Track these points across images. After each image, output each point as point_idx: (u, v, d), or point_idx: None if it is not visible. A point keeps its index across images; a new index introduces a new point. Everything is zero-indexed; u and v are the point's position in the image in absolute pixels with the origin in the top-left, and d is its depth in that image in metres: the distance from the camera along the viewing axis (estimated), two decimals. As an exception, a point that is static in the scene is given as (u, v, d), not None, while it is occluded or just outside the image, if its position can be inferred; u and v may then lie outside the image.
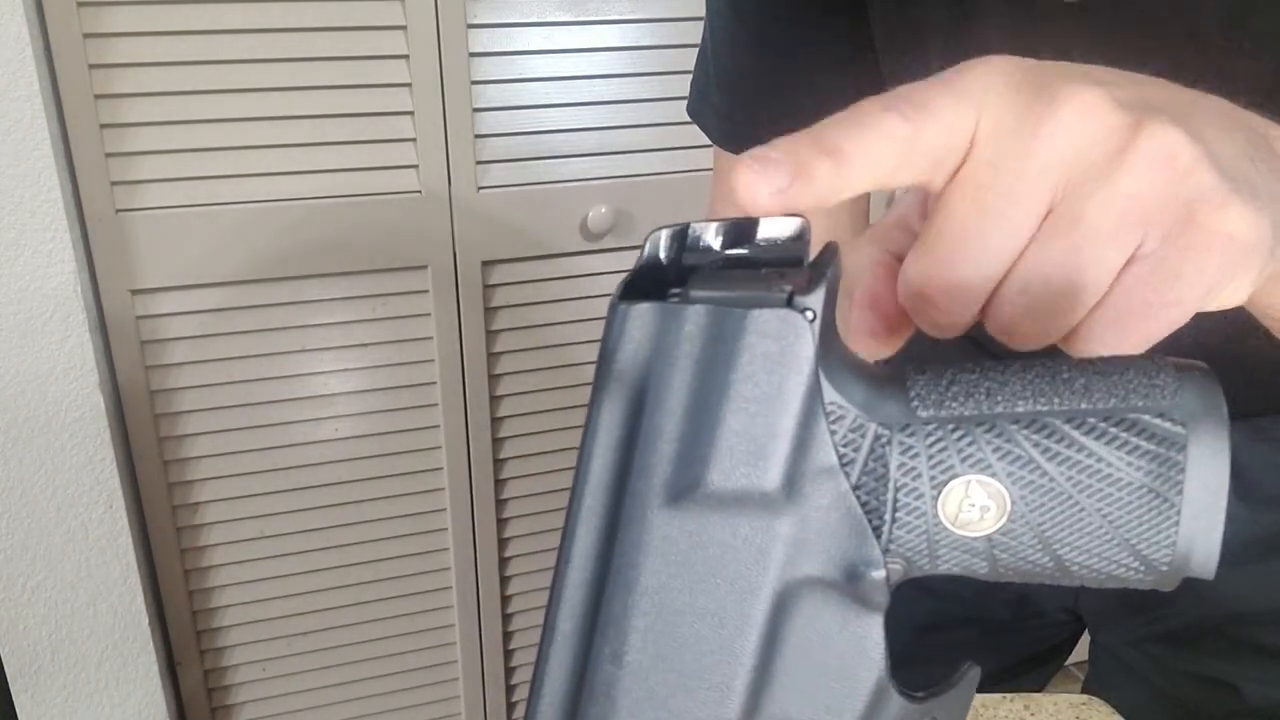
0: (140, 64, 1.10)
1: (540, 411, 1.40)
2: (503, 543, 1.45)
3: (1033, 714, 0.55)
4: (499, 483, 1.41)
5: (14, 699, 1.25)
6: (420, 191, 1.24)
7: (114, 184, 1.13)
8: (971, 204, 0.25)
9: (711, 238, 0.25)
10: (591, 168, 1.30)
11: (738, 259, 0.25)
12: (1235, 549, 0.56)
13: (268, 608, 1.36)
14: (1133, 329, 0.25)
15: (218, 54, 1.12)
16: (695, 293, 0.23)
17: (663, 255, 0.25)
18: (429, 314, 1.29)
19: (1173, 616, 0.61)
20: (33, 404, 1.13)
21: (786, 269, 0.24)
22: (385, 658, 1.44)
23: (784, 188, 0.25)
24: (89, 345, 1.13)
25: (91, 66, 1.08)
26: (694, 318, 0.23)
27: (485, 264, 1.29)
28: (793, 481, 0.23)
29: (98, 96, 1.09)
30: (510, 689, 1.53)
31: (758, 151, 0.25)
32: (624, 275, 0.25)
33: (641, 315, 0.23)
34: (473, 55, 1.21)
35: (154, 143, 1.13)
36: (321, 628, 1.39)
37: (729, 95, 0.63)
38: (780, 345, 0.23)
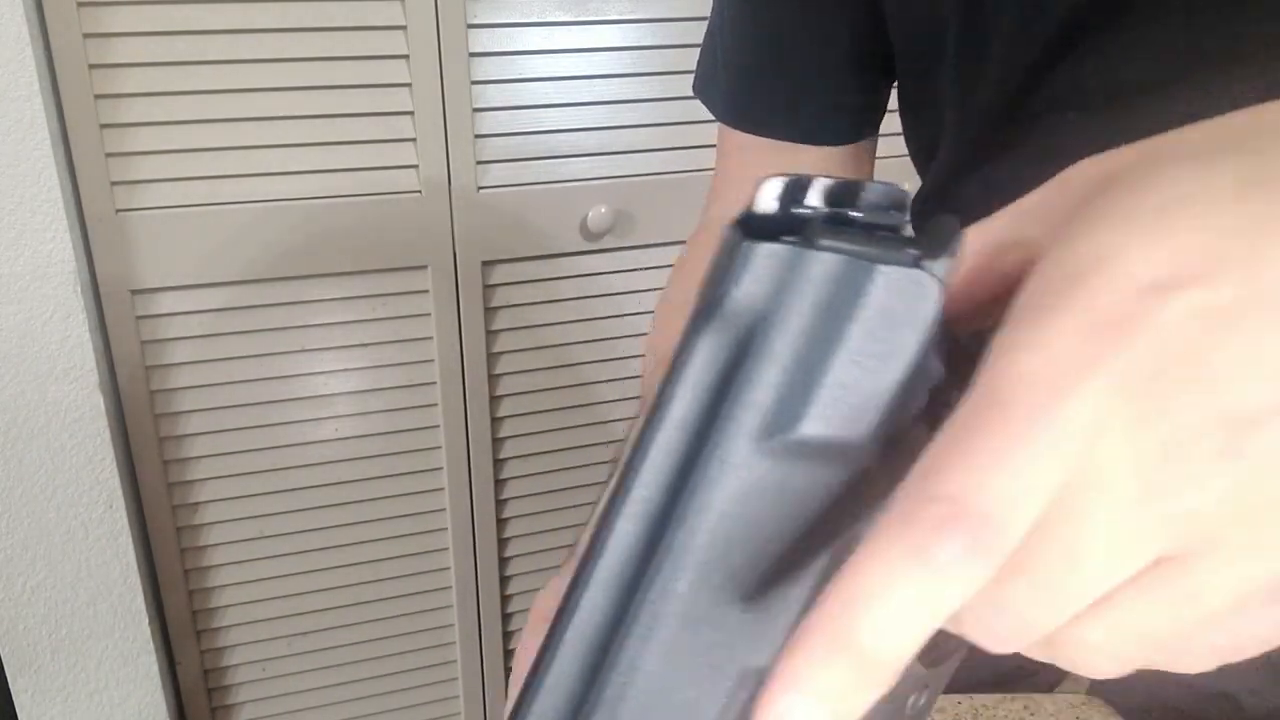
0: (140, 64, 1.10)
1: (540, 411, 1.40)
2: (502, 543, 1.45)
3: (1032, 714, 0.55)
4: (499, 483, 1.41)
5: (14, 699, 1.25)
6: (420, 191, 1.24)
7: (114, 184, 1.13)
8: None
9: (818, 194, 0.24)
10: (591, 168, 1.30)
11: (840, 218, 0.24)
12: None
13: (268, 608, 1.36)
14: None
15: (218, 54, 1.12)
16: (823, 241, 0.23)
17: (774, 203, 0.24)
18: (429, 314, 1.29)
19: None
20: (33, 404, 1.13)
21: (901, 236, 0.24)
22: (385, 658, 1.44)
23: None
24: (89, 345, 1.13)
25: (91, 66, 1.08)
26: (821, 264, 0.23)
27: (485, 264, 1.30)
28: (886, 437, 0.23)
29: (98, 96, 1.09)
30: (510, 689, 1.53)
31: (782, 691, 0.21)
32: (734, 215, 0.24)
33: (767, 255, 0.23)
34: (473, 55, 1.21)
35: (154, 143, 1.13)
36: (321, 628, 1.39)
37: (736, 76, 0.63)
38: (905, 305, 0.23)
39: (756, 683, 0.25)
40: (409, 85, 1.19)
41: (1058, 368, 0.20)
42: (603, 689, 0.25)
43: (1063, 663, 0.23)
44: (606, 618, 0.25)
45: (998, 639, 0.22)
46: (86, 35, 1.07)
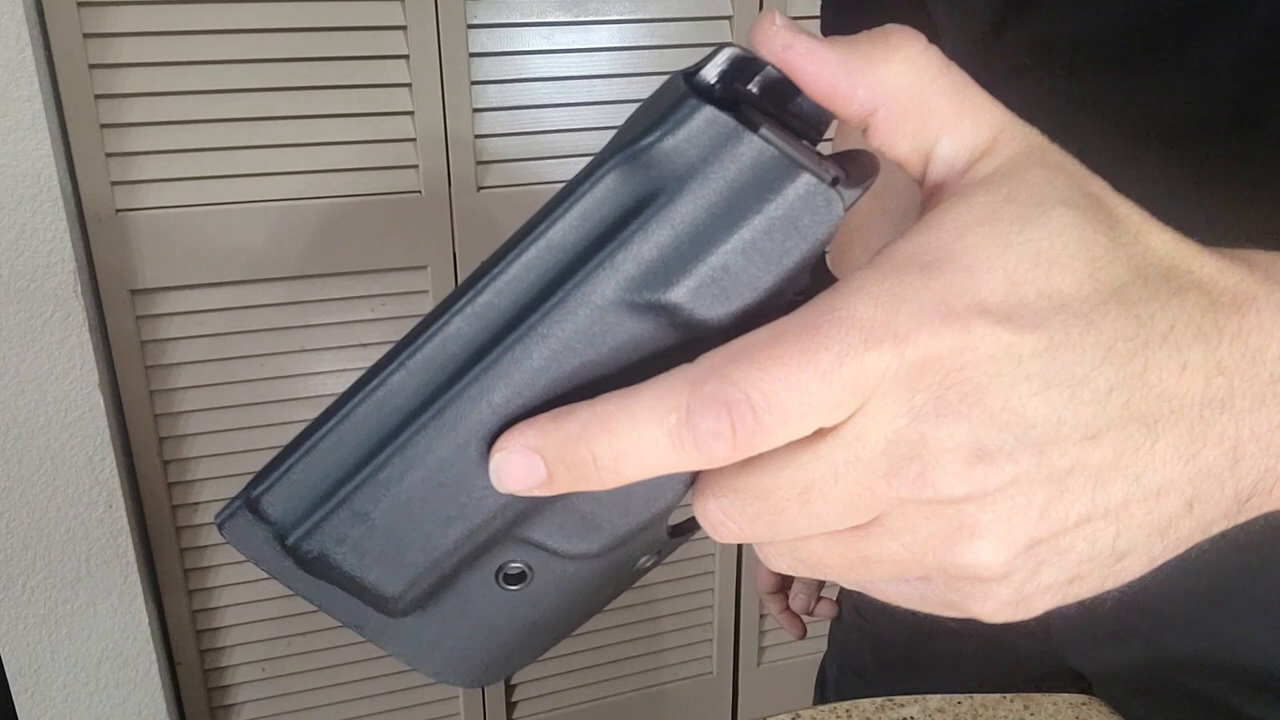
0: (140, 64, 1.10)
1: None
2: (503, 543, 1.45)
3: (1032, 714, 0.55)
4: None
5: (14, 699, 1.25)
6: (420, 191, 1.24)
7: (114, 184, 1.13)
8: (800, 491, 0.24)
9: (761, 81, 0.25)
10: (591, 168, 1.30)
11: (769, 111, 0.25)
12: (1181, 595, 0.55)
13: (268, 608, 1.36)
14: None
15: (218, 54, 1.12)
16: (763, 129, 0.23)
17: (722, 69, 0.24)
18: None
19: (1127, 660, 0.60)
20: (33, 404, 1.13)
21: (824, 154, 0.24)
22: (385, 658, 1.43)
23: (532, 487, 0.25)
24: (89, 345, 1.13)
25: (91, 66, 1.08)
26: (755, 149, 0.23)
27: (485, 264, 1.29)
28: (737, 325, 0.24)
29: (98, 96, 1.09)
30: (510, 689, 1.53)
31: (512, 438, 0.25)
32: (686, 68, 0.25)
33: (710, 120, 0.23)
34: (473, 55, 1.21)
35: (154, 143, 1.13)
36: (321, 628, 1.39)
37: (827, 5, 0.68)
38: (811, 217, 0.24)
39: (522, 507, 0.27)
40: (409, 85, 1.19)
41: (880, 325, 0.22)
42: (383, 466, 0.26)
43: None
44: (410, 404, 0.26)
45: (714, 527, 0.25)
46: (86, 35, 1.07)
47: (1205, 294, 0.24)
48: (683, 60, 1.34)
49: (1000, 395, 0.22)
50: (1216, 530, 0.26)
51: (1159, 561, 0.26)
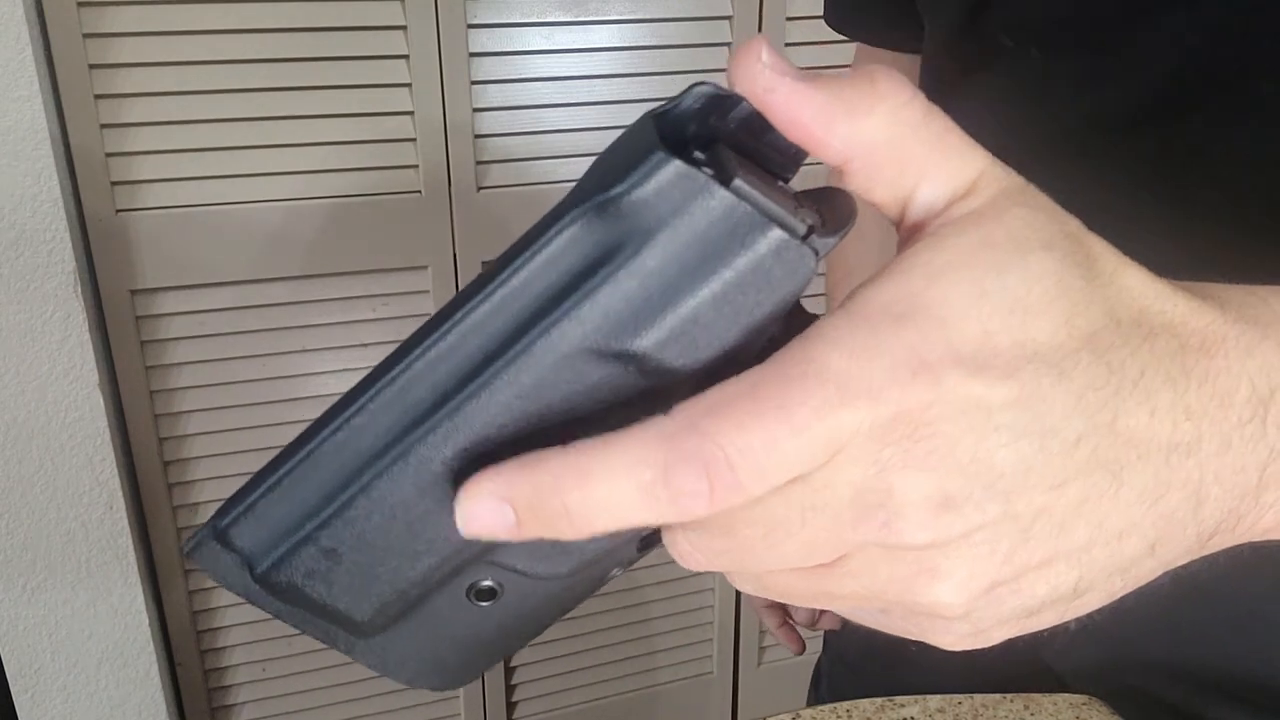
0: (140, 64, 1.10)
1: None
2: (503, 543, 1.45)
3: (1033, 714, 0.55)
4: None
5: (14, 699, 1.25)
6: (420, 191, 1.24)
7: (114, 184, 1.13)
8: (768, 526, 0.24)
9: (737, 117, 0.24)
10: (591, 168, 1.30)
11: (743, 147, 0.24)
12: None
13: (268, 608, 1.36)
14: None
15: (218, 54, 1.12)
16: (736, 181, 0.23)
17: (695, 107, 0.24)
18: (429, 314, 1.28)
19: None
20: (33, 404, 1.13)
21: (800, 199, 0.24)
22: (385, 658, 1.44)
23: (499, 533, 0.25)
24: (89, 345, 1.13)
25: (91, 66, 1.08)
26: (725, 204, 0.23)
27: (485, 264, 1.29)
28: (708, 373, 0.24)
29: (98, 96, 1.09)
30: (510, 689, 1.53)
31: (480, 485, 0.25)
32: (654, 108, 0.24)
33: (679, 174, 0.23)
34: (473, 55, 1.21)
35: (154, 143, 1.13)
36: (321, 628, 1.39)
37: None
38: (783, 272, 0.23)
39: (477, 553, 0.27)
40: (409, 85, 1.19)
41: (854, 381, 0.22)
42: (348, 505, 0.26)
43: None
44: (373, 445, 0.26)
45: (682, 556, 0.26)
46: (86, 35, 1.07)
47: (1175, 337, 0.24)
48: (683, 60, 1.34)
49: (969, 447, 0.23)
50: (1178, 565, 0.26)
51: (1118, 596, 0.26)
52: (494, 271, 0.25)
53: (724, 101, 0.24)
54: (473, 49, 1.21)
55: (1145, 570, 0.25)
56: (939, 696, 0.56)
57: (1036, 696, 0.56)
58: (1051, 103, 0.47)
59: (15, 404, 1.13)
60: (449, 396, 0.25)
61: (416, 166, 1.23)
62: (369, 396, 0.26)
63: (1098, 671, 0.58)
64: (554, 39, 1.24)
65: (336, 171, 1.20)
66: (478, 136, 1.24)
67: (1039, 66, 0.47)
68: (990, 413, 0.22)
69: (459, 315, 0.25)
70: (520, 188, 1.28)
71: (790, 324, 0.24)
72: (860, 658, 0.77)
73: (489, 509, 0.24)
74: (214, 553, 0.28)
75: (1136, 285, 0.25)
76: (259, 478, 0.28)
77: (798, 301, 0.25)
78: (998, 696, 0.56)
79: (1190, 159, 0.42)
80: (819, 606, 0.27)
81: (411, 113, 1.20)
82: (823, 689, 0.82)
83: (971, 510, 0.23)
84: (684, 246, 0.23)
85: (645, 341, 0.24)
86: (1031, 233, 0.23)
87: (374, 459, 0.26)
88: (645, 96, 1.29)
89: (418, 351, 0.25)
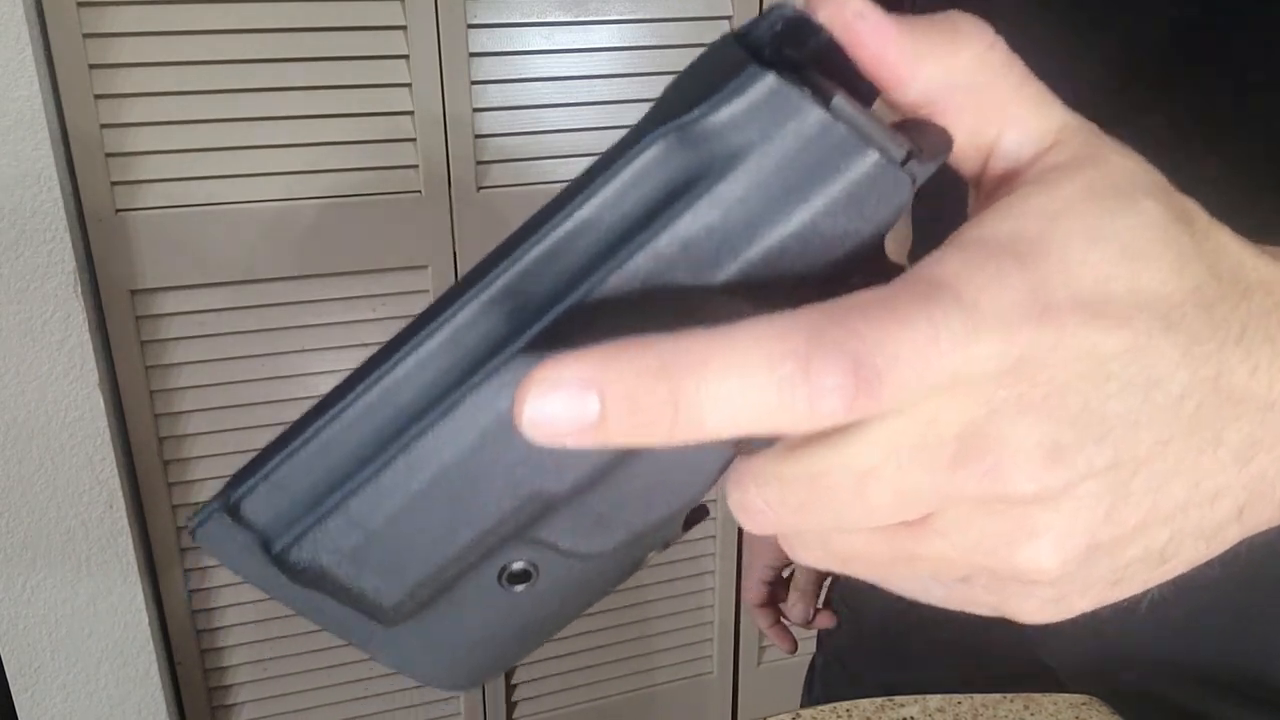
0: (140, 64, 1.10)
1: (540, 411, 1.39)
2: (503, 543, 1.45)
3: (1032, 714, 0.55)
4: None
5: (14, 699, 1.25)
6: (420, 191, 1.24)
7: (114, 184, 1.13)
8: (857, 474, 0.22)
9: (814, 49, 0.22)
10: (591, 168, 1.30)
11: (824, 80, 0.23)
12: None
13: (268, 608, 1.36)
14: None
15: (218, 54, 1.12)
16: (837, 100, 0.21)
17: (776, 29, 0.22)
18: (429, 314, 1.29)
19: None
20: (33, 404, 1.13)
21: (893, 128, 0.22)
22: (385, 658, 1.44)
23: (572, 432, 0.20)
24: (89, 345, 1.13)
25: (91, 66, 1.08)
26: (820, 123, 0.21)
27: (485, 264, 1.29)
28: (786, 302, 0.22)
29: (98, 96, 1.09)
30: (510, 689, 1.53)
31: (559, 367, 0.20)
32: (736, 29, 0.22)
33: (772, 90, 0.21)
34: (473, 55, 1.21)
35: (154, 143, 1.13)
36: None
37: None
38: (878, 200, 0.22)
39: (540, 506, 0.24)
40: (409, 85, 1.19)
41: (989, 315, 0.21)
42: (384, 468, 0.24)
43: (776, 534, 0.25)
44: (415, 398, 0.24)
45: (752, 514, 0.23)
46: (86, 35, 1.07)
47: (1270, 295, 0.24)
48: (683, 60, 1.33)
49: (1082, 395, 0.22)
50: (1258, 531, 0.25)
51: (1200, 562, 0.25)
52: (564, 201, 0.22)
53: (804, 28, 0.22)
54: (473, 49, 1.21)
55: (1229, 536, 0.25)
56: (939, 696, 0.56)
57: (1036, 696, 0.56)
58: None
59: (15, 404, 1.13)
60: (506, 341, 0.22)
61: (416, 166, 1.23)
62: (415, 344, 0.23)
63: (1097, 671, 0.58)
64: (554, 39, 1.24)
65: (336, 171, 1.20)
66: (478, 136, 1.24)
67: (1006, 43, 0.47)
68: (1104, 361, 0.22)
69: (524, 249, 0.22)
70: (520, 187, 1.28)
71: (871, 271, 0.22)
72: (855, 657, 0.77)
73: (565, 398, 0.20)
74: (224, 530, 0.24)
75: (1229, 242, 0.24)
76: (278, 443, 0.25)
77: (882, 247, 0.23)
78: (998, 696, 0.56)
79: (1167, 146, 0.42)
80: (891, 575, 0.25)
81: (411, 112, 1.20)
82: (816, 689, 0.82)
83: (1081, 462, 0.22)
84: (773, 172, 0.22)
85: (725, 275, 0.22)
86: (1134, 181, 0.23)
87: (419, 414, 0.23)
88: (645, 96, 1.29)
89: (471, 293, 0.23)
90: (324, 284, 1.24)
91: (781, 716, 0.55)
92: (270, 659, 1.39)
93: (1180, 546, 0.24)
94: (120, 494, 1.20)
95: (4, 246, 1.07)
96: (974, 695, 0.56)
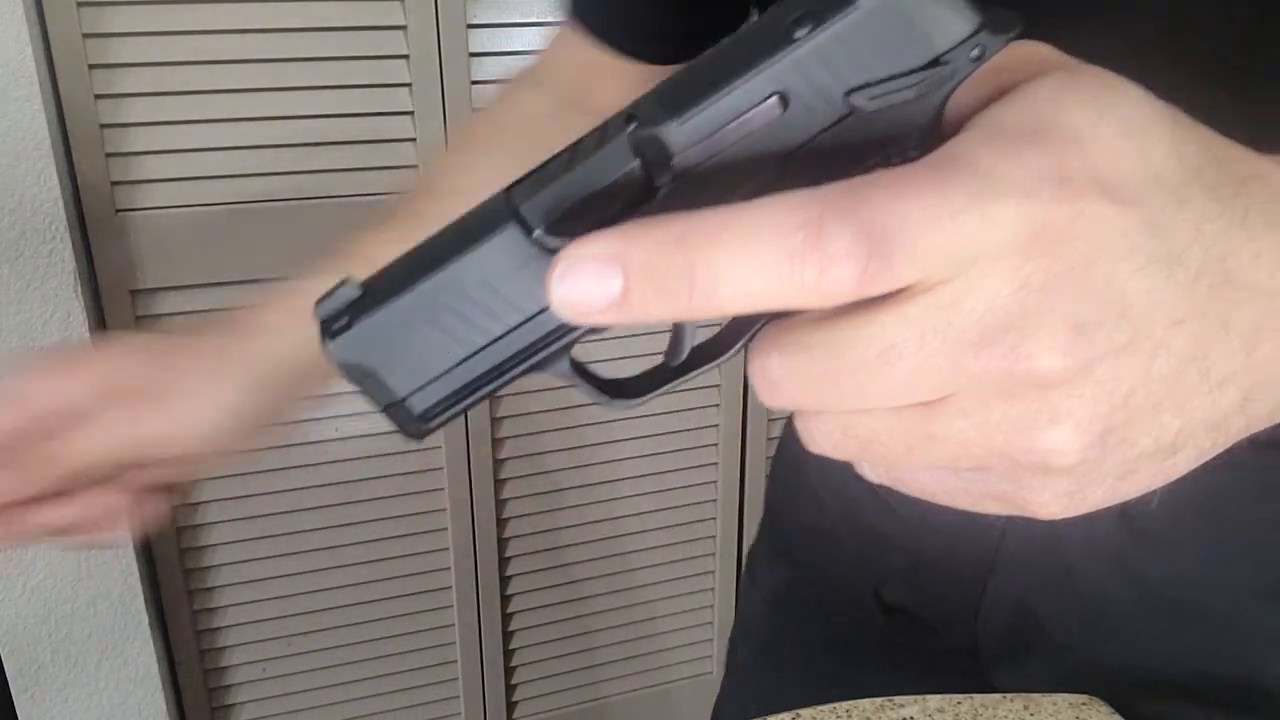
0: (140, 64, 1.10)
1: (540, 411, 1.40)
2: (502, 543, 1.45)
3: (1032, 714, 0.55)
4: (499, 482, 1.41)
5: (14, 699, 1.25)
6: (420, 191, 1.24)
7: (114, 184, 1.13)
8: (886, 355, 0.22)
9: None
10: (591, 168, 1.30)
11: None
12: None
13: (268, 608, 1.36)
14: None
15: (218, 54, 1.12)
16: None
17: None
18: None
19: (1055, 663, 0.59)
20: (33, 404, 1.13)
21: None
22: (385, 658, 1.44)
23: (597, 309, 0.22)
24: (89, 345, 1.13)
25: (91, 66, 1.08)
26: None
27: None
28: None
29: (98, 96, 1.09)
30: (510, 689, 1.53)
31: (587, 244, 0.22)
32: None
33: None
34: (473, 55, 1.21)
35: (154, 143, 1.13)
36: (321, 628, 1.39)
37: None
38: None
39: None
40: (409, 85, 1.19)
41: (1005, 179, 0.21)
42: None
43: (786, 410, 0.24)
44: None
45: (772, 385, 0.23)
46: (86, 35, 1.07)
47: (1265, 184, 0.24)
48: (683, 60, 1.33)
49: (1105, 270, 0.21)
50: (1259, 428, 0.25)
51: (1204, 459, 0.25)
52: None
53: None
54: (473, 49, 1.21)
55: (1234, 428, 0.25)
56: (938, 696, 0.56)
57: (1036, 697, 0.56)
58: None
59: (15, 404, 1.12)
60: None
61: (416, 166, 1.23)
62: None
63: (1052, 686, 0.58)
64: (554, 39, 1.24)
65: (336, 171, 1.20)
66: (478, 136, 1.24)
67: None
68: (1125, 234, 0.22)
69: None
70: (520, 188, 1.28)
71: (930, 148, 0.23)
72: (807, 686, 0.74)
73: (592, 274, 0.21)
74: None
75: (1216, 136, 0.24)
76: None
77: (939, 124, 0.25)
78: (997, 696, 0.56)
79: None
80: (909, 461, 0.24)
81: (411, 112, 1.20)
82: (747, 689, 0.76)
83: (1103, 339, 0.22)
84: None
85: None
86: (1110, 73, 0.23)
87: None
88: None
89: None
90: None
91: (781, 716, 0.55)
92: (270, 659, 1.39)
93: (1190, 436, 0.24)
94: (120, 494, 1.20)
95: (4, 246, 1.07)
96: (973, 696, 0.56)
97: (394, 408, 0.28)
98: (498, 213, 0.26)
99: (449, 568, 1.42)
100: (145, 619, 1.27)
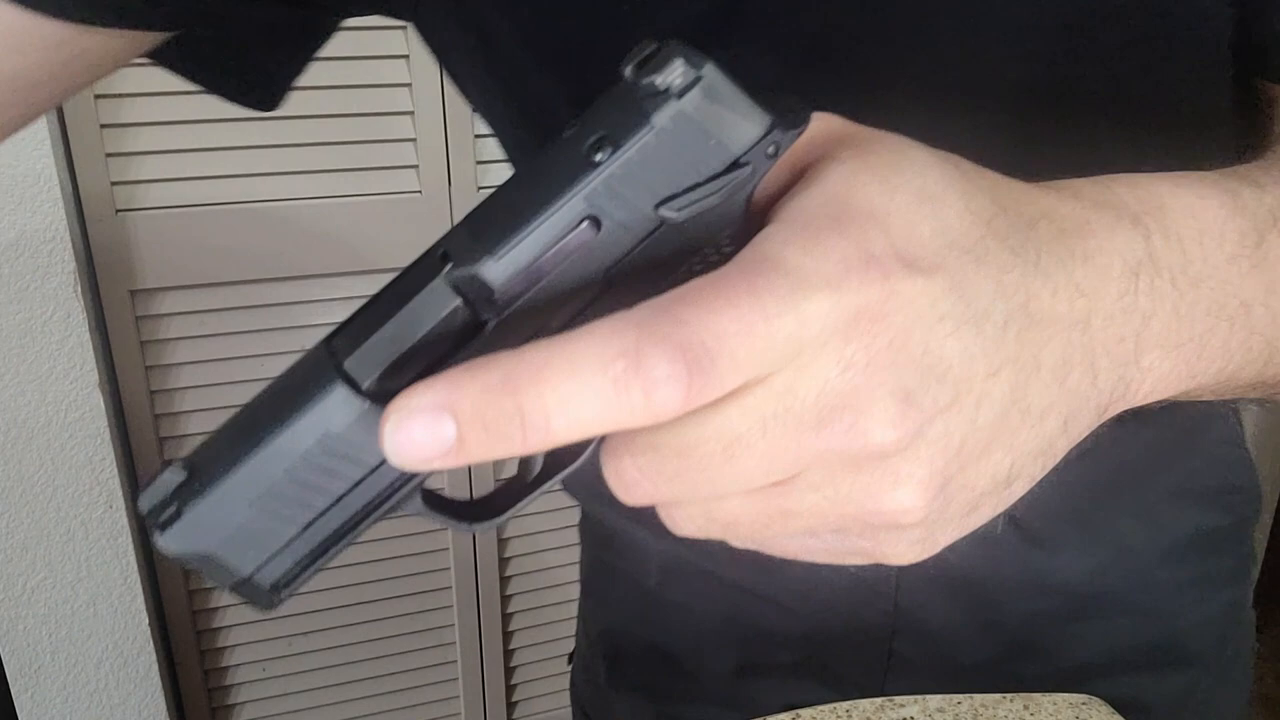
0: (140, 64, 1.10)
1: (540, 411, 1.40)
2: (502, 543, 1.45)
3: (1032, 714, 0.55)
4: (498, 483, 1.41)
5: (14, 699, 1.25)
6: (420, 191, 1.24)
7: (114, 184, 1.13)
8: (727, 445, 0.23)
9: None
10: (591, 168, 1.30)
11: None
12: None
13: (268, 608, 1.36)
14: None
15: (218, 54, 1.12)
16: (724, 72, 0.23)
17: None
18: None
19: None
20: (33, 404, 1.13)
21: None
22: (385, 658, 1.44)
23: (435, 456, 0.22)
24: (89, 345, 1.13)
25: (91, 66, 1.08)
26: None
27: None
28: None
29: (98, 96, 1.09)
30: (510, 689, 1.53)
31: (414, 395, 0.22)
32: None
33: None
34: (473, 55, 1.21)
35: (154, 143, 1.13)
36: (321, 628, 1.39)
37: None
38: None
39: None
40: (409, 85, 1.19)
41: (814, 273, 0.22)
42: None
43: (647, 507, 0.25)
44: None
45: (628, 486, 0.24)
46: (86, 35, 1.07)
47: (1052, 222, 0.25)
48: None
49: (920, 339, 0.23)
50: (1080, 439, 0.27)
51: (1036, 480, 0.27)
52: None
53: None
54: (473, 49, 1.21)
55: (1060, 448, 0.26)
56: (939, 696, 0.56)
57: (1036, 696, 0.56)
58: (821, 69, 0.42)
59: (15, 404, 1.13)
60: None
61: (416, 167, 1.23)
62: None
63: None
64: (554, 39, 1.24)
65: (336, 171, 1.20)
66: (477, 136, 1.24)
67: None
68: (933, 303, 0.23)
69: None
70: (520, 188, 1.28)
71: (741, 242, 0.24)
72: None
73: (423, 425, 0.21)
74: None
75: (1000, 180, 0.26)
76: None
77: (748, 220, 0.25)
78: (997, 696, 0.56)
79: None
80: (771, 536, 0.26)
81: (411, 112, 1.20)
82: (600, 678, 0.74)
83: (929, 403, 0.23)
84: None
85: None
86: (896, 140, 0.25)
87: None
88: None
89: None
90: (324, 284, 1.24)
91: (781, 716, 0.55)
92: (270, 659, 1.39)
93: (1022, 467, 0.26)
94: (120, 494, 1.20)
95: (4, 246, 1.07)
96: (973, 695, 0.56)
97: (241, 585, 0.26)
98: (322, 371, 0.25)
99: (449, 568, 1.42)
100: (145, 619, 1.27)
